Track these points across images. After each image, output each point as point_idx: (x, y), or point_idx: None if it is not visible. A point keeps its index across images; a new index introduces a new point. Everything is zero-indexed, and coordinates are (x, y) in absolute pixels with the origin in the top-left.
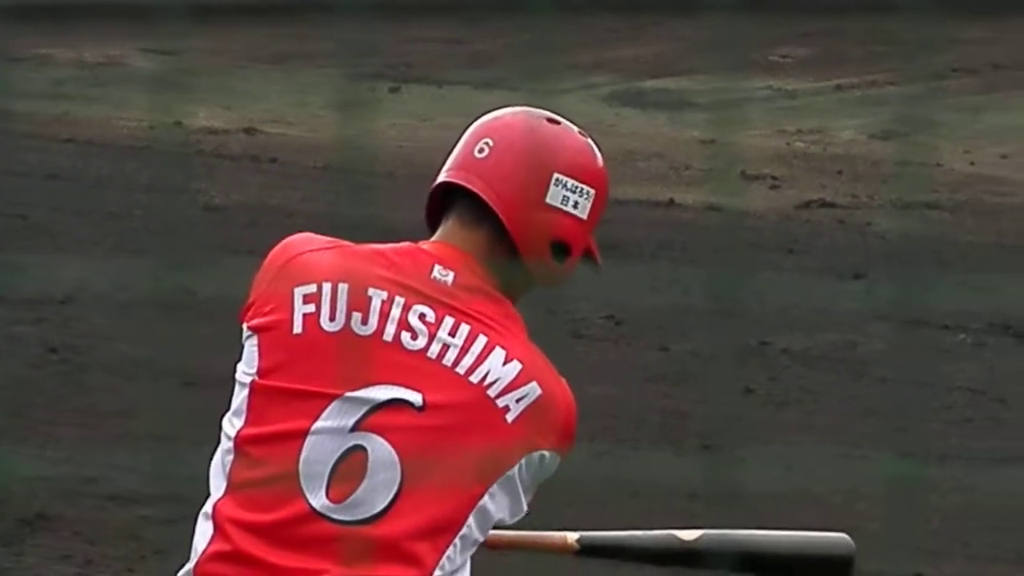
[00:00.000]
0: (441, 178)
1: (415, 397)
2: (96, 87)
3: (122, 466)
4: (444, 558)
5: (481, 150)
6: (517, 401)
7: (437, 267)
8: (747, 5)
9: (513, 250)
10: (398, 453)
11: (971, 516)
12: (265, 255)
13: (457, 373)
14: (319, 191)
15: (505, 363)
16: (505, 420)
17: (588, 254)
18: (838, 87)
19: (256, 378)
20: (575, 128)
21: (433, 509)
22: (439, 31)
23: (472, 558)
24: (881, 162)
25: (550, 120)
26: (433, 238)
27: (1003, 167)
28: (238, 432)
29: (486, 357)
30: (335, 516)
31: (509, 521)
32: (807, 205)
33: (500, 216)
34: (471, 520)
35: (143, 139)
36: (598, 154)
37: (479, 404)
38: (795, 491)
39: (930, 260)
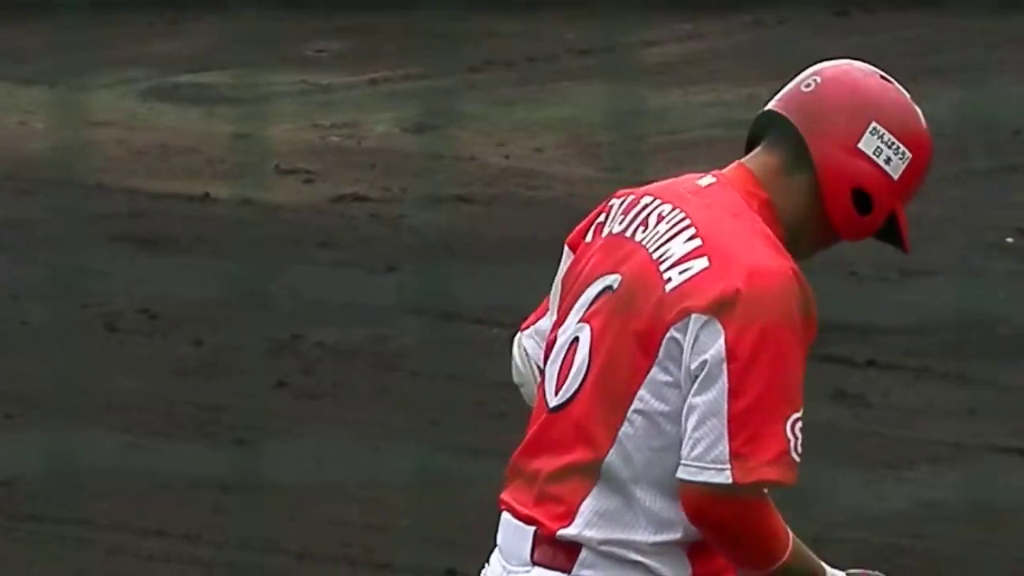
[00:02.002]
0: (774, 104)
1: (615, 280)
2: None
3: None
4: (620, 434)
5: (808, 85)
6: (680, 273)
7: (707, 177)
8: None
9: (815, 188)
10: (592, 336)
11: None
12: None
13: (648, 251)
14: None
15: (688, 240)
16: (664, 290)
17: (894, 221)
18: (372, 81)
19: (553, 289)
20: (906, 93)
21: (605, 388)
22: None
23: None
24: (414, 156)
25: (883, 77)
26: (743, 159)
27: (537, 160)
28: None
29: (677, 236)
30: (552, 407)
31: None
32: (340, 199)
33: (806, 143)
34: (643, 392)
35: None
36: (924, 123)
37: (650, 277)
38: (327, 484)
39: (463, 254)
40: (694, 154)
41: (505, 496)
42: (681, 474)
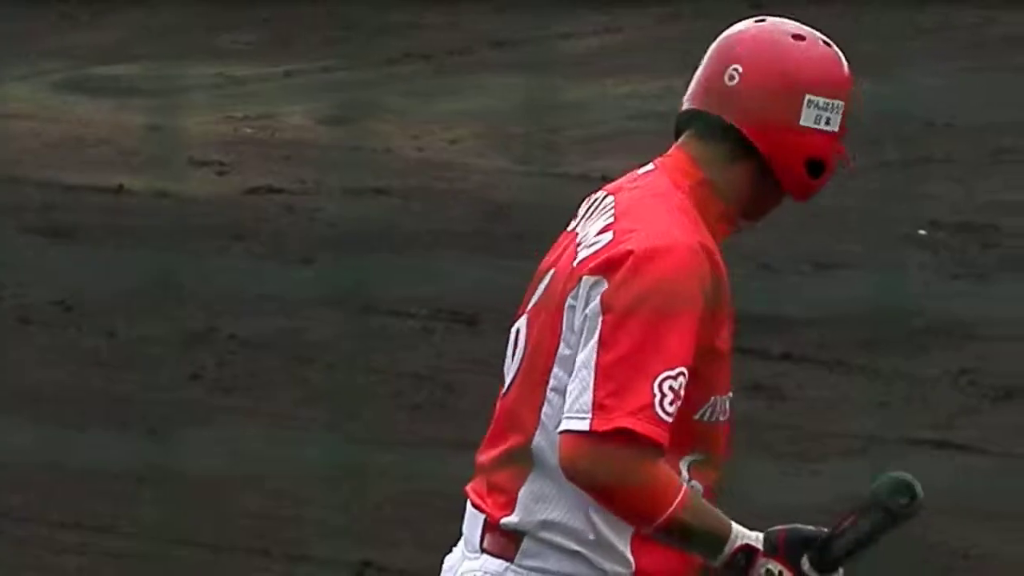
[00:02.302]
0: (693, 104)
1: (551, 275)
2: None
3: None
4: (542, 416)
5: (731, 78)
6: (588, 248)
7: (650, 164)
8: None
9: (763, 168)
10: (528, 325)
11: (419, 503)
12: None
13: (577, 240)
14: None
15: (605, 221)
16: (572, 264)
17: (840, 160)
18: (287, 73)
19: None
20: (819, 37)
21: (531, 370)
22: None
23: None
24: (330, 148)
25: (795, 36)
26: (678, 141)
27: (453, 153)
28: None
29: (599, 220)
30: (503, 395)
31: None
32: (255, 191)
33: (756, 146)
34: (555, 370)
35: None
36: (843, 60)
37: (567, 261)
38: (242, 476)
39: (379, 246)
40: (610, 146)
41: (468, 486)
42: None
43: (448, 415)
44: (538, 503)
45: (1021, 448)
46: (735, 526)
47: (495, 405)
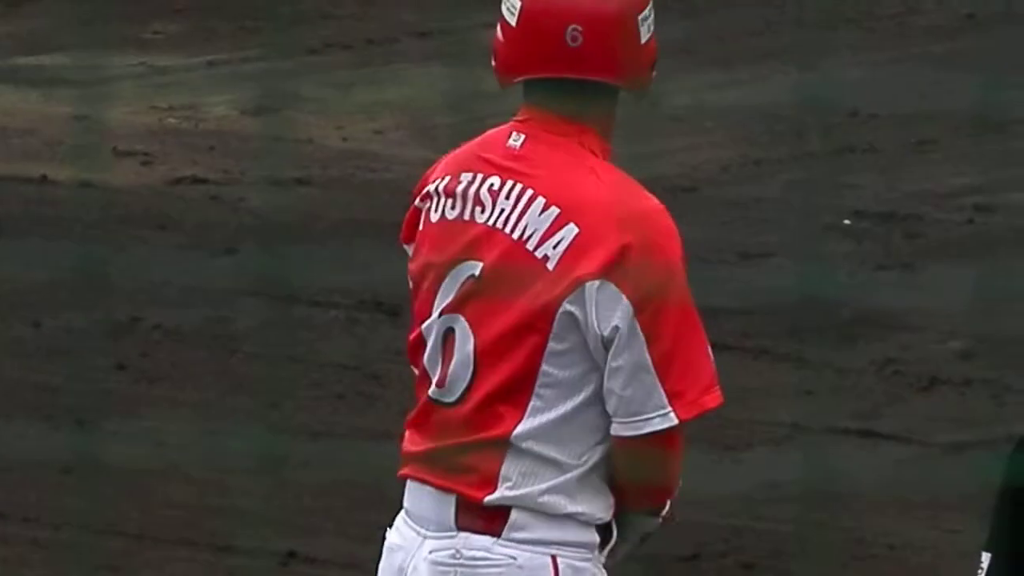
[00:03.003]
0: (536, 73)
1: (477, 267)
2: None
3: None
4: (529, 408)
5: (574, 39)
6: (554, 247)
7: (512, 134)
8: None
9: (614, 94)
10: (471, 325)
11: (343, 493)
12: None
13: (506, 233)
14: None
15: (542, 212)
16: (547, 269)
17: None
18: (210, 63)
19: (409, 285)
20: None
21: (504, 372)
22: None
23: None
24: (252, 137)
25: None
26: (527, 102)
27: (376, 142)
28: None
29: (527, 210)
30: (441, 400)
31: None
32: (179, 181)
33: (618, 86)
34: (546, 367)
35: None
36: None
37: (521, 259)
38: (166, 466)
39: (302, 236)
40: None
41: (408, 471)
42: (622, 432)
43: (371, 405)
44: (525, 477)
45: (945, 437)
46: None
47: (419, 397)
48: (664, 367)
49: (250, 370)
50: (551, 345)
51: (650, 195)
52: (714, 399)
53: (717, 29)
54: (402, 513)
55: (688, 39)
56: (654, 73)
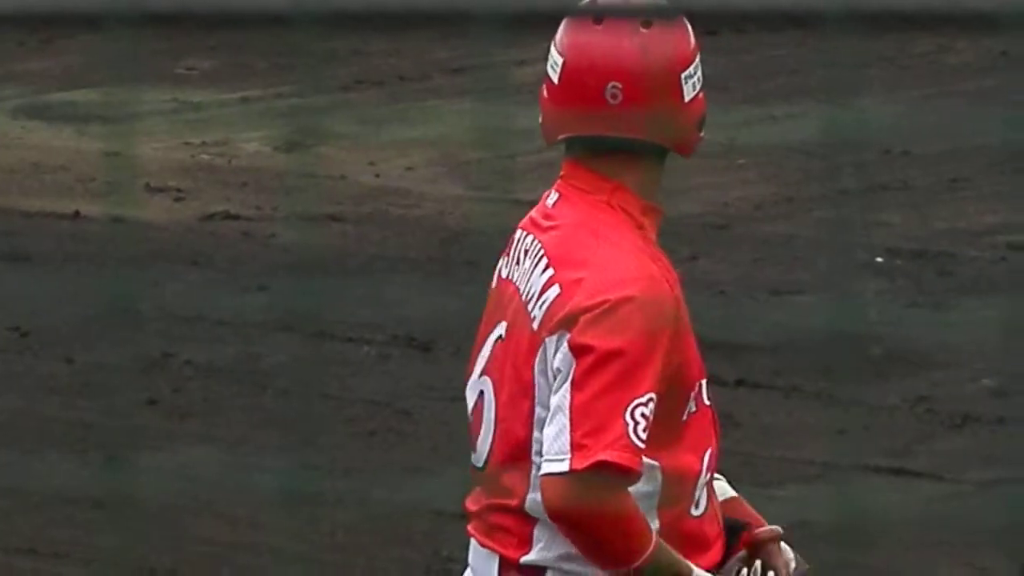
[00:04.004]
0: (574, 132)
1: (504, 328)
2: None
3: None
4: (532, 481)
5: (614, 96)
6: (540, 306)
7: (552, 194)
8: (153, 18)
9: (659, 153)
10: (494, 389)
11: (375, 530)
12: None
13: (520, 291)
14: None
15: (543, 271)
16: (531, 328)
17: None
18: (244, 99)
19: None
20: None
21: (508, 440)
22: None
23: None
24: (285, 174)
25: (644, 24)
26: (567, 158)
27: (407, 179)
28: None
29: (534, 269)
30: (475, 464)
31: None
32: (211, 217)
33: (665, 145)
34: (536, 433)
35: None
36: (679, 17)
37: (521, 318)
38: (198, 503)
39: (334, 272)
40: None
41: (469, 527)
42: (542, 470)
43: (403, 441)
44: (556, 537)
45: (977, 475)
46: (694, 568)
47: (470, 444)
48: (579, 416)
49: (282, 406)
50: (538, 410)
51: (637, 278)
52: (613, 455)
53: (750, 66)
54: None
55: (721, 76)
56: (701, 133)
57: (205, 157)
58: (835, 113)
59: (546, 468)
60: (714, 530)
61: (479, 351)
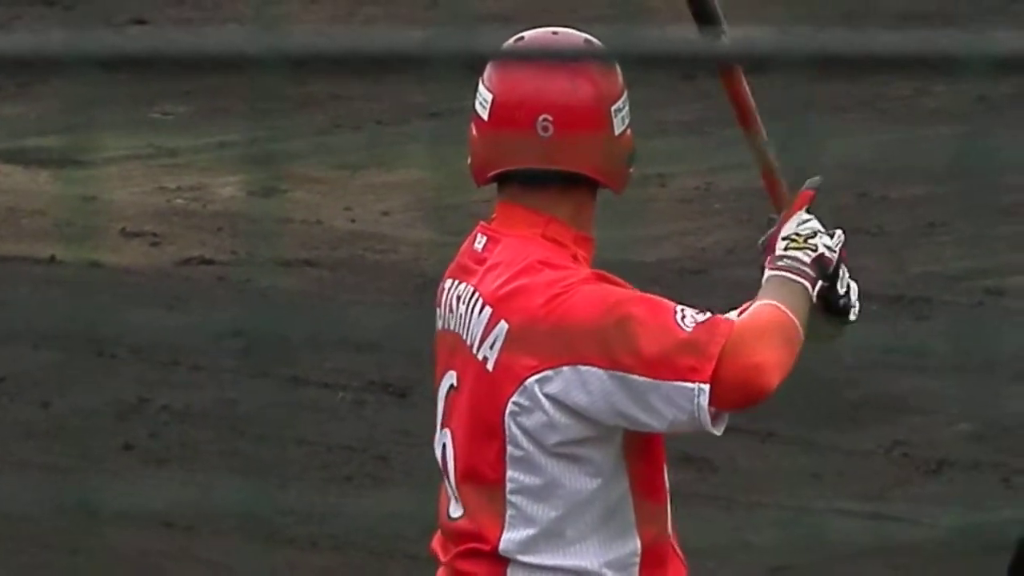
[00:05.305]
0: (508, 166)
1: (454, 377)
2: None
3: None
4: (506, 521)
5: (545, 128)
6: (491, 347)
7: (479, 237)
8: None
9: (589, 185)
10: (453, 438)
11: (351, 574)
12: None
13: (463, 340)
14: None
15: (480, 312)
16: (487, 370)
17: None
18: (220, 144)
19: None
20: (580, 39)
21: (478, 481)
22: None
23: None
24: (261, 219)
25: (572, 58)
26: (499, 198)
27: (383, 224)
28: None
29: (472, 313)
30: (450, 515)
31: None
32: (187, 262)
33: (590, 178)
34: (511, 474)
35: None
36: (605, 51)
37: (471, 364)
38: (175, 549)
39: (310, 318)
40: None
41: (438, 573)
42: (688, 428)
43: (379, 486)
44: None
45: (952, 520)
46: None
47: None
48: (656, 371)
49: (258, 452)
50: (510, 449)
51: (579, 274)
52: (708, 337)
53: (727, 111)
54: None
55: (697, 121)
56: (631, 169)
57: (180, 202)
58: (811, 157)
59: (701, 409)
60: (678, 551)
61: (437, 403)
